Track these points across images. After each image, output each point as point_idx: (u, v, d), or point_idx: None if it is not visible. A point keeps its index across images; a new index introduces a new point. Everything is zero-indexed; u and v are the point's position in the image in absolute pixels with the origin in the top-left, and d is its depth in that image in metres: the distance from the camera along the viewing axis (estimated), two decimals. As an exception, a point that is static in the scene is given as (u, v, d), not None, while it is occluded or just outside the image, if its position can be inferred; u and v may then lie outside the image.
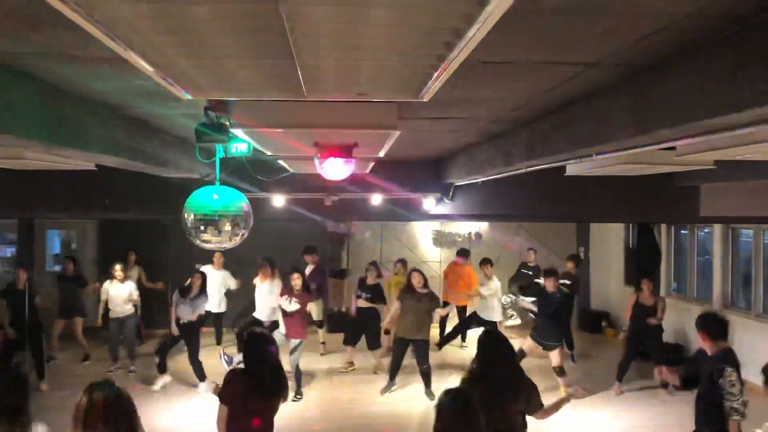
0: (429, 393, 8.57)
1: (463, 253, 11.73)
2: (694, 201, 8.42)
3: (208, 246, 4.47)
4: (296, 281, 8.45)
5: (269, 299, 9.44)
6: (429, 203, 8.96)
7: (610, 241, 13.59)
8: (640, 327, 9.05)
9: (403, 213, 9.21)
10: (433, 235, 13.65)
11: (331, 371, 10.06)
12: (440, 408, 3.24)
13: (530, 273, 11.38)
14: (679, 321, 11.13)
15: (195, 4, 2.11)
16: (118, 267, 9.76)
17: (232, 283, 10.86)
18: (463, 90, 3.85)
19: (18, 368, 4.19)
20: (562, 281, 9.39)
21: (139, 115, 5.11)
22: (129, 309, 9.76)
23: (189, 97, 3.31)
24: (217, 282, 10.69)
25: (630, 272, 12.42)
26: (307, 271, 10.59)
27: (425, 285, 8.66)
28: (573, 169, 6.24)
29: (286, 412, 8.01)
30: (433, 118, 5.06)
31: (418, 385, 8.77)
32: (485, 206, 8.98)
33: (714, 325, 4.68)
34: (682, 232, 11.69)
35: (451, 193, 8.88)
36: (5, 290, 9.22)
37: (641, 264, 11.82)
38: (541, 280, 9.05)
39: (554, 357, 8.54)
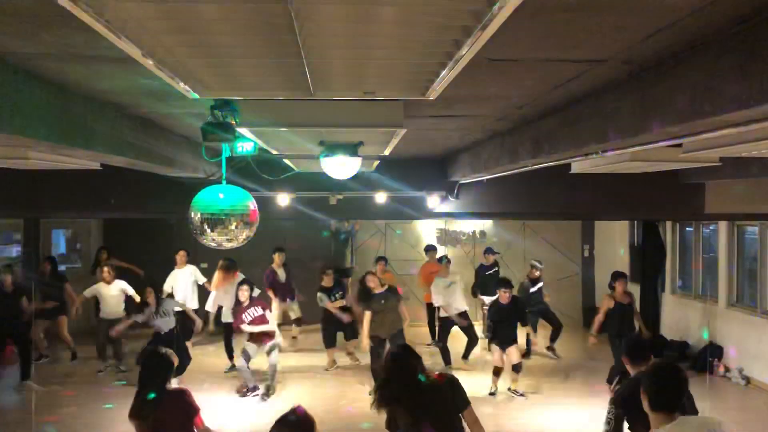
0: None
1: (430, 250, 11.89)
2: (699, 198, 8.40)
3: (214, 245, 4.48)
4: (243, 293, 8.48)
5: (224, 300, 9.52)
6: (433, 201, 8.95)
7: (614, 239, 13.55)
8: (622, 326, 8.47)
9: (407, 211, 9.21)
10: (437, 233, 13.64)
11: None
12: (386, 360, 3.88)
13: (490, 273, 11.34)
14: (684, 318, 11.11)
15: (204, 4, 2.11)
16: (105, 269, 9.71)
17: (200, 279, 10.55)
18: (470, 88, 3.85)
19: None
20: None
21: (145, 114, 5.13)
22: (121, 311, 9.65)
23: (196, 96, 3.31)
24: (185, 281, 10.47)
25: (635, 270, 12.39)
26: (280, 272, 10.70)
27: (382, 284, 8.73)
28: (578, 166, 6.24)
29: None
30: (439, 116, 5.05)
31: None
32: (490, 204, 8.99)
33: (635, 350, 4.49)
34: (688, 229, 11.64)
35: (456, 191, 8.87)
36: None
37: (646, 262, 11.79)
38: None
39: (513, 354, 8.62)
